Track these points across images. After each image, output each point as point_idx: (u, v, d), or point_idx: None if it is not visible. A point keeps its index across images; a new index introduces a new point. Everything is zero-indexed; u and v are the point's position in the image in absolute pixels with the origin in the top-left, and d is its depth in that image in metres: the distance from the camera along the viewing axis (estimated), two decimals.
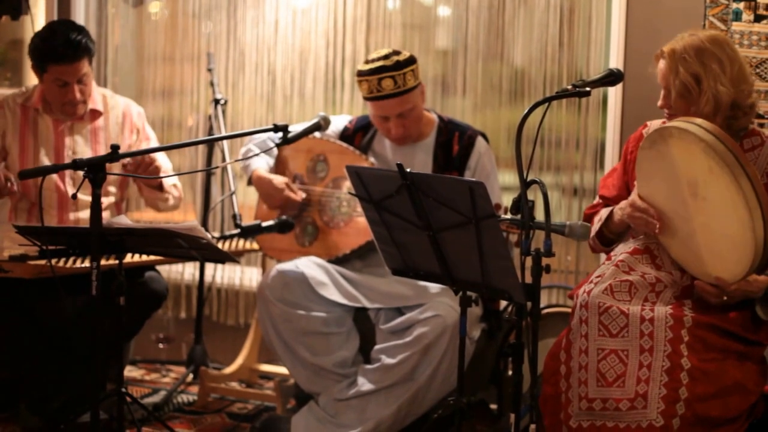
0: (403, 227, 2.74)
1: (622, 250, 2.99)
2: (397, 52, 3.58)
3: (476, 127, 3.82)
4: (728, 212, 2.69)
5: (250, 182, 3.83)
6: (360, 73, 3.60)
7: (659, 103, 2.99)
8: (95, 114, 3.85)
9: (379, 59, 3.57)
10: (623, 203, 2.99)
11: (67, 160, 3.57)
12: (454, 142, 3.68)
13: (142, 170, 3.58)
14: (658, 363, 2.72)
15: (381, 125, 3.67)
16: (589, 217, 3.21)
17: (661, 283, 2.89)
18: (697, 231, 2.79)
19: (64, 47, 3.58)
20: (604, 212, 3.08)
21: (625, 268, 2.93)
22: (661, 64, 2.96)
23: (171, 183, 3.87)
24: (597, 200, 3.23)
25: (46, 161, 3.75)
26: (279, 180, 3.75)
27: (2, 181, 3.51)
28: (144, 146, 3.90)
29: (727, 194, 2.68)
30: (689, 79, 2.87)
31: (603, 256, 3.36)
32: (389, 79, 3.54)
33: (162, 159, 3.97)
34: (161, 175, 3.69)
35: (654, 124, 3.07)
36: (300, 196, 3.75)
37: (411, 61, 3.58)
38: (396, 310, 3.54)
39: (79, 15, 4.79)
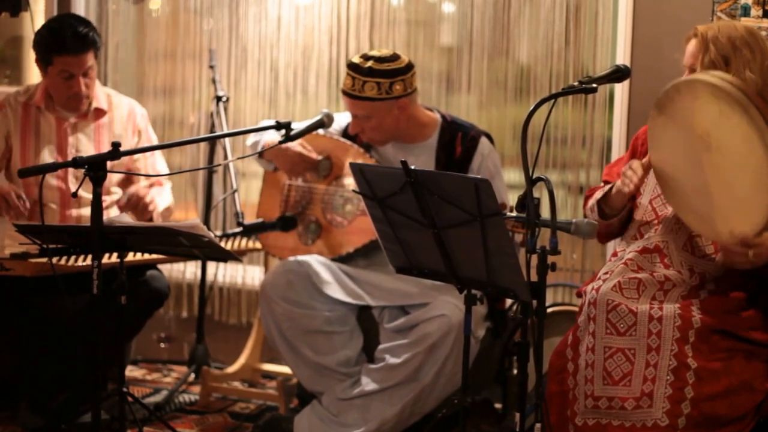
0: (408, 225, 2.72)
1: (631, 249, 2.96)
2: (381, 59, 3.47)
3: (482, 125, 3.79)
4: (744, 153, 2.61)
5: (261, 157, 3.77)
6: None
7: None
8: (99, 113, 3.83)
9: (364, 58, 3.50)
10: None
11: (71, 158, 3.58)
12: (457, 144, 3.61)
13: (139, 212, 3.65)
14: (665, 362, 2.70)
15: None
16: (587, 198, 3.17)
17: (669, 281, 2.86)
18: (714, 189, 2.71)
19: (72, 39, 3.59)
20: (599, 192, 3.05)
21: (633, 267, 2.90)
22: (691, 44, 2.92)
23: (165, 207, 3.83)
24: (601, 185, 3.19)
25: (48, 159, 3.73)
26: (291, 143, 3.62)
27: (14, 200, 3.51)
28: None
29: (740, 132, 2.61)
30: (719, 59, 2.84)
31: (609, 253, 3.32)
32: (349, 77, 3.50)
33: (159, 161, 3.96)
34: (155, 214, 3.71)
35: None
36: (315, 154, 3.69)
37: (384, 73, 3.45)
38: (400, 309, 3.52)
39: (80, 12, 4.75)
